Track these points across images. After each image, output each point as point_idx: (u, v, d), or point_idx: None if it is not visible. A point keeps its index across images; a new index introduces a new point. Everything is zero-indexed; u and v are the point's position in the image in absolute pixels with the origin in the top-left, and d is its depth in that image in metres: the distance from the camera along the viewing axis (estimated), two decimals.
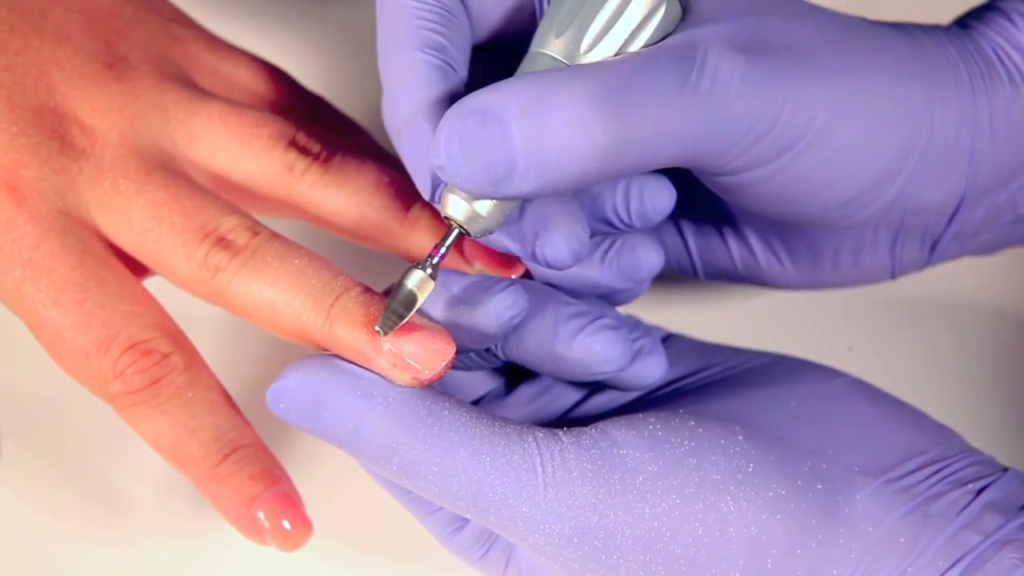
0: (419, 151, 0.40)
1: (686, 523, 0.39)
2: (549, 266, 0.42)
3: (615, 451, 0.39)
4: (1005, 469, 0.42)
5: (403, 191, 0.45)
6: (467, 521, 0.43)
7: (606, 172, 0.38)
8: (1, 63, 0.45)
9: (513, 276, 0.44)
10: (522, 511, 0.39)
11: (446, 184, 0.39)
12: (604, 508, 0.39)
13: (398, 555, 0.50)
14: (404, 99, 0.40)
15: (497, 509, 0.39)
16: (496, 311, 0.41)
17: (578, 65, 0.38)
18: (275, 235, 0.43)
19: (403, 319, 0.39)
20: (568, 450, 0.39)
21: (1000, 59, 0.44)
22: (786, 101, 0.39)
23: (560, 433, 0.40)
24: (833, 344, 0.54)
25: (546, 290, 0.44)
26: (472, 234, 0.39)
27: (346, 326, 0.40)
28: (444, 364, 0.40)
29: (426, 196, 0.40)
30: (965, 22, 0.46)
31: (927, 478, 0.41)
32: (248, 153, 0.46)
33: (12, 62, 0.46)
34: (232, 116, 0.46)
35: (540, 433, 0.40)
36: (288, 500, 0.45)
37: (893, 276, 0.48)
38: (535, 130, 0.37)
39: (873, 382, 0.45)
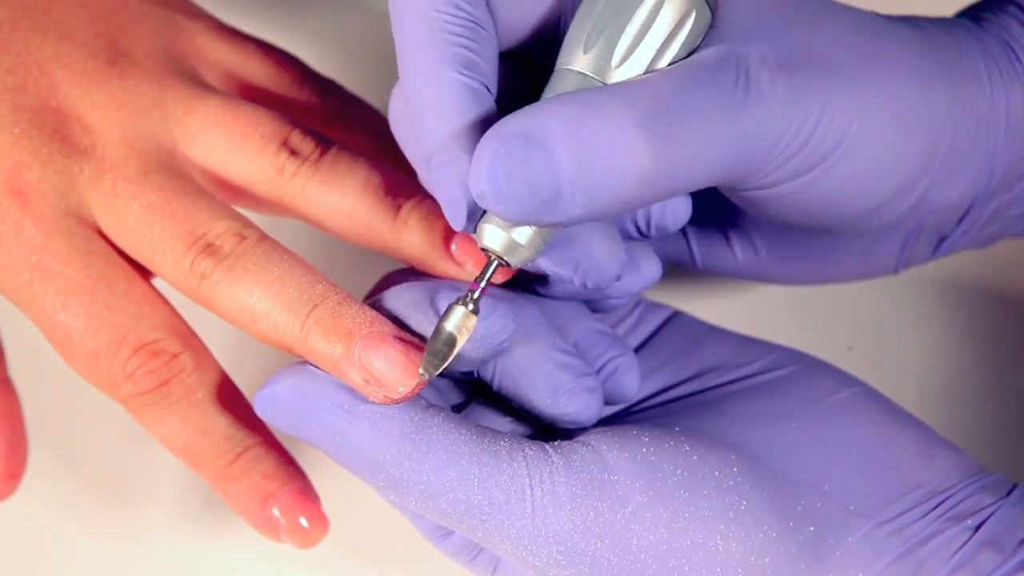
0: (455, 180, 0.38)
1: (673, 559, 0.38)
2: (586, 287, 0.41)
3: (606, 476, 0.39)
4: (1010, 491, 0.40)
5: (394, 190, 0.44)
6: None
7: (652, 196, 0.37)
8: (3, 64, 0.45)
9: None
10: (510, 532, 0.38)
11: (483, 214, 0.38)
12: (591, 535, 0.38)
13: (411, 557, 0.50)
14: (437, 125, 0.38)
15: (484, 528, 0.38)
16: (484, 336, 0.40)
17: (620, 84, 0.37)
18: (262, 239, 0.43)
19: (446, 360, 0.38)
20: (558, 472, 0.39)
21: (1017, 55, 0.42)
22: (823, 114, 0.38)
23: (550, 451, 0.39)
24: (833, 344, 0.53)
25: (538, 320, 0.43)
26: (512, 264, 0.38)
27: (321, 338, 0.40)
28: (415, 383, 0.39)
29: (458, 227, 0.39)
30: (977, 15, 0.44)
31: (924, 516, 0.40)
32: (241, 154, 0.45)
33: (14, 63, 0.45)
34: (227, 114, 0.45)
35: (530, 451, 0.39)
36: (304, 497, 0.45)
37: (896, 271, 0.47)
38: (583, 155, 0.35)
39: (873, 382, 0.44)
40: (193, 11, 0.50)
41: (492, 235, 0.38)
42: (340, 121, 0.51)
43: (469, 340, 0.39)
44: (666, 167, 0.36)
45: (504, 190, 0.36)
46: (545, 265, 0.41)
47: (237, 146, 0.45)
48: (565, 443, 0.40)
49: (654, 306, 0.48)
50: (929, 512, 0.40)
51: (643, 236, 0.43)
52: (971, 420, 0.51)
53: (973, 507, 0.40)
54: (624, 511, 0.38)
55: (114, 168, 0.44)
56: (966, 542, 0.39)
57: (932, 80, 0.41)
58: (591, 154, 0.35)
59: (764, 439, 0.41)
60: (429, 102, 0.38)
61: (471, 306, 0.38)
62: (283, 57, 0.51)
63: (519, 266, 0.38)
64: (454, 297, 0.39)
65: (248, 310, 0.41)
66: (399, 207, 0.44)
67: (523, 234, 0.37)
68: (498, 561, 0.43)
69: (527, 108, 0.36)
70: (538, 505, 0.38)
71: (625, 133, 0.35)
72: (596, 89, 0.37)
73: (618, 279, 0.41)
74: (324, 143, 0.46)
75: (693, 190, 0.38)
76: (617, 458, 0.39)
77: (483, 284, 0.38)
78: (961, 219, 0.44)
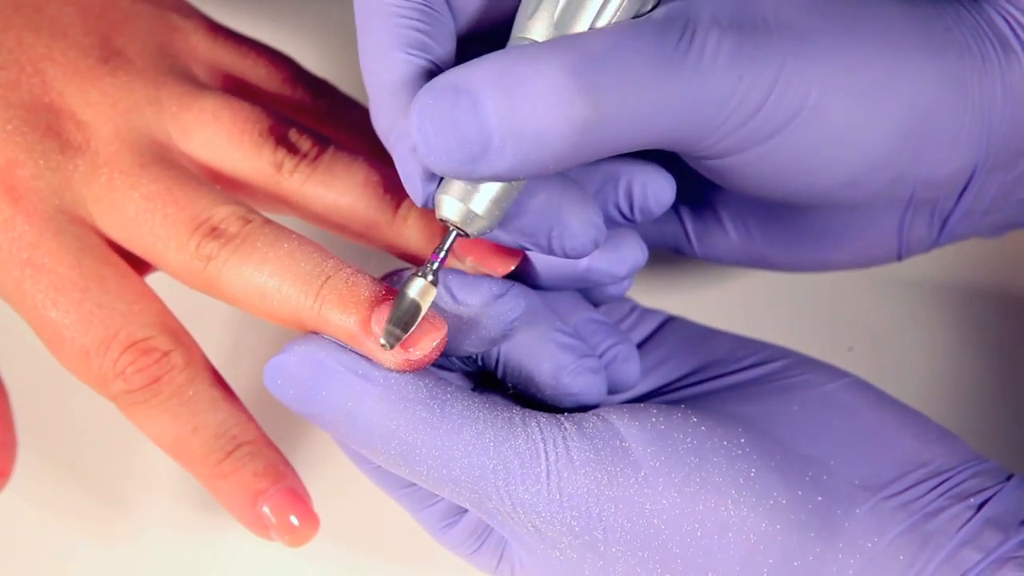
0: (408, 155, 0.39)
1: (685, 523, 0.38)
2: (567, 256, 0.41)
3: (617, 442, 0.39)
4: (1009, 477, 0.41)
5: (393, 187, 0.45)
6: (460, 516, 0.42)
7: (586, 150, 0.37)
8: None
9: (502, 270, 0.43)
10: (523, 498, 0.39)
11: (438, 185, 0.38)
12: (605, 500, 0.38)
13: (407, 553, 0.49)
14: (390, 103, 0.39)
15: (498, 495, 0.39)
16: (498, 314, 0.41)
17: (555, 39, 0.37)
18: (267, 222, 0.43)
19: (407, 330, 0.38)
20: (571, 437, 0.39)
21: (1014, 30, 0.42)
22: (776, 79, 0.38)
23: (562, 419, 0.40)
24: (833, 344, 0.53)
25: (540, 307, 0.43)
26: (470, 234, 0.38)
27: (336, 308, 0.40)
28: (435, 345, 0.39)
29: (417, 201, 0.39)
30: None
31: (928, 492, 0.40)
32: (238, 151, 0.45)
33: (7, 60, 0.45)
34: (224, 111, 0.46)
35: (543, 419, 0.40)
36: (294, 495, 0.45)
37: (899, 257, 0.47)
38: (510, 103, 0.35)
39: (873, 382, 0.44)
40: (186, 10, 0.50)
41: (449, 206, 0.38)
42: (333, 121, 0.51)
43: (485, 319, 0.40)
44: (598, 118, 0.36)
45: (433, 142, 0.36)
46: (514, 238, 0.41)
47: (235, 143, 0.45)
48: (576, 414, 0.40)
49: (650, 311, 0.48)
50: (932, 489, 0.40)
51: (629, 221, 0.43)
52: (971, 420, 0.51)
53: (975, 487, 0.40)
54: (637, 475, 0.39)
55: (109, 163, 0.44)
56: (970, 519, 0.39)
57: (914, 51, 0.40)
58: (518, 102, 0.35)
59: (768, 417, 0.41)
60: (381, 83, 0.39)
61: (431, 277, 0.38)
62: (276, 56, 0.51)
63: (476, 236, 0.38)
64: (462, 280, 0.40)
65: (258, 288, 0.41)
66: (398, 204, 0.44)
67: (480, 204, 0.38)
68: (502, 553, 0.43)
69: (462, 64, 0.36)
70: (552, 469, 0.38)
71: (553, 80, 0.35)
72: (531, 44, 0.37)
73: (596, 246, 0.40)
74: (322, 141, 0.46)
75: (635, 148, 0.38)
76: (627, 426, 0.39)
77: (441, 255, 0.39)
78: (960, 196, 0.44)
